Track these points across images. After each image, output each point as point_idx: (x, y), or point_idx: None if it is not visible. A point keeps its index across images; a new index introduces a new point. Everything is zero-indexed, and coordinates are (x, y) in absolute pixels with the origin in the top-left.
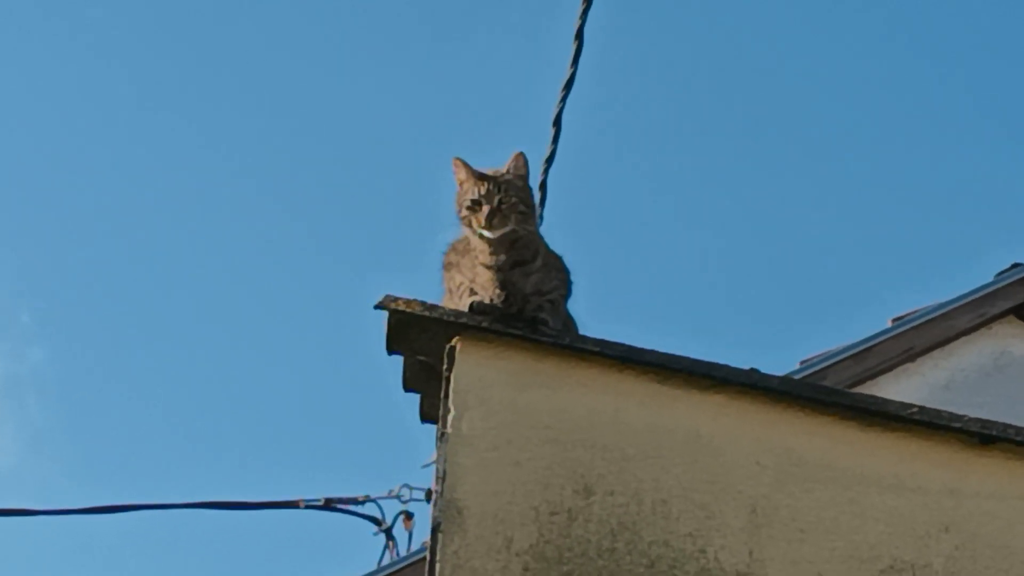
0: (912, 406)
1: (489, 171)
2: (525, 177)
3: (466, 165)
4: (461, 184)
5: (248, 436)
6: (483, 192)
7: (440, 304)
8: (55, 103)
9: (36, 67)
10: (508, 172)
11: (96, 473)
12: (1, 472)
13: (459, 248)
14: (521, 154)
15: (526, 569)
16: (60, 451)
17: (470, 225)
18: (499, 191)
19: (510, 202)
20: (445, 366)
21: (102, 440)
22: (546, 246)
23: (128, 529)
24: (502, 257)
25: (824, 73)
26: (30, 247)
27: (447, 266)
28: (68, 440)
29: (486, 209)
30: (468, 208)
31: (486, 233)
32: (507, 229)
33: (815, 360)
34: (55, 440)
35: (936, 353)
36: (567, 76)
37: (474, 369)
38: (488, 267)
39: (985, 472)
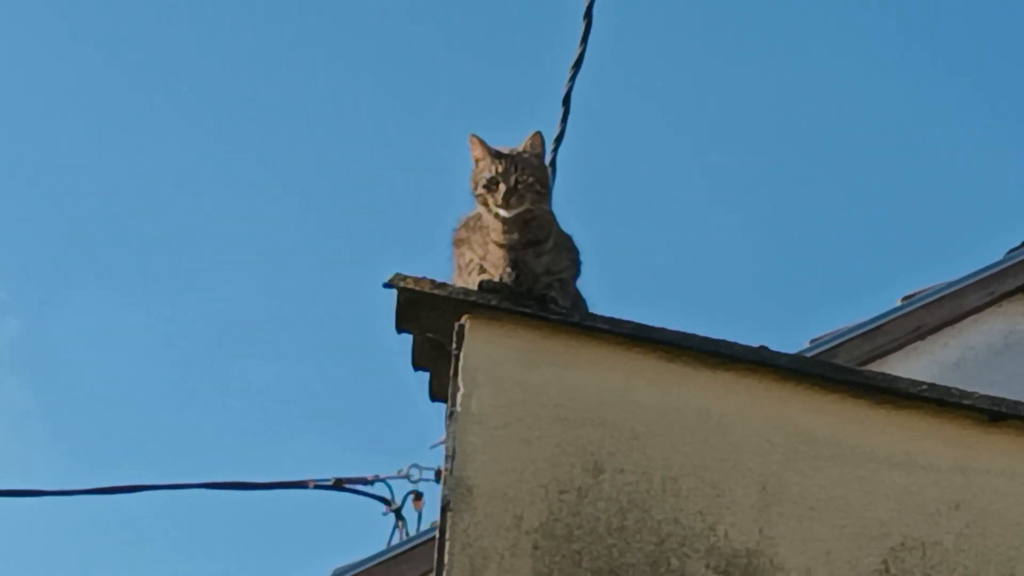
0: (922, 384)
1: (505, 150)
2: (541, 156)
3: (482, 143)
4: (477, 162)
5: (256, 416)
6: (500, 171)
7: (449, 281)
8: (39, 84)
9: (19, 53)
10: (525, 151)
11: (85, 455)
12: None
13: (470, 225)
14: (538, 133)
15: (536, 547)
16: (41, 431)
17: (485, 203)
18: (516, 170)
19: (527, 181)
20: (454, 344)
21: (92, 420)
22: (557, 226)
23: (136, 510)
24: (515, 236)
25: (833, 53)
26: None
27: (457, 243)
28: (50, 419)
29: (503, 188)
30: (484, 187)
31: (502, 212)
32: (522, 208)
33: (825, 338)
34: (36, 419)
35: (946, 331)
36: (576, 55)
37: (483, 347)
38: (500, 245)
39: (995, 449)
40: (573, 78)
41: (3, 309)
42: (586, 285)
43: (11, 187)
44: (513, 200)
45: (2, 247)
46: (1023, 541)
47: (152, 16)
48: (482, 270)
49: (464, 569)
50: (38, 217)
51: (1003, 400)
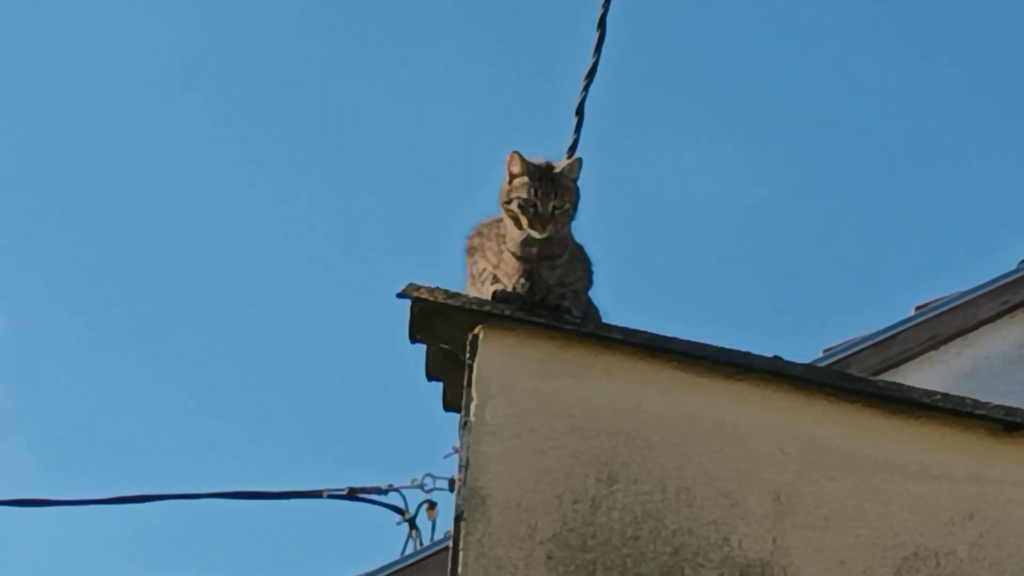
0: (936, 393)
1: (543, 165)
2: (576, 180)
3: (523, 160)
4: (513, 177)
5: (270, 425)
6: (539, 194)
7: (462, 289)
8: (41, 87)
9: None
10: (565, 176)
11: (83, 465)
12: None
13: (483, 232)
14: (579, 160)
15: (550, 557)
16: (29, 437)
17: (515, 219)
18: (555, 196)
19: (563, 208)
20: (468, 354)
21: (87, 427)
22: (572, 238)
23: (145, 520)
24: (533, 250)
25: (848, 60)
26: None
27: (470, 250)
28: (40, 425)
29: (540, 212)
30: (519, 205)
31: (535, 234)
32: (552, 231)
33: (839, 348)
34: (21, 424)
35: (960, 341)
36: (590, 65)
37: (497, 357)
38: (517, 257)
39: (1009, 459)
40: (587, 88)
41: None
42: (599, 295)
43: None
44: (549, 226)
45: None
46: None
47: (175, 16)
48: (495, 279)
49: None
50: (28, 210)
51: (1017, 410)
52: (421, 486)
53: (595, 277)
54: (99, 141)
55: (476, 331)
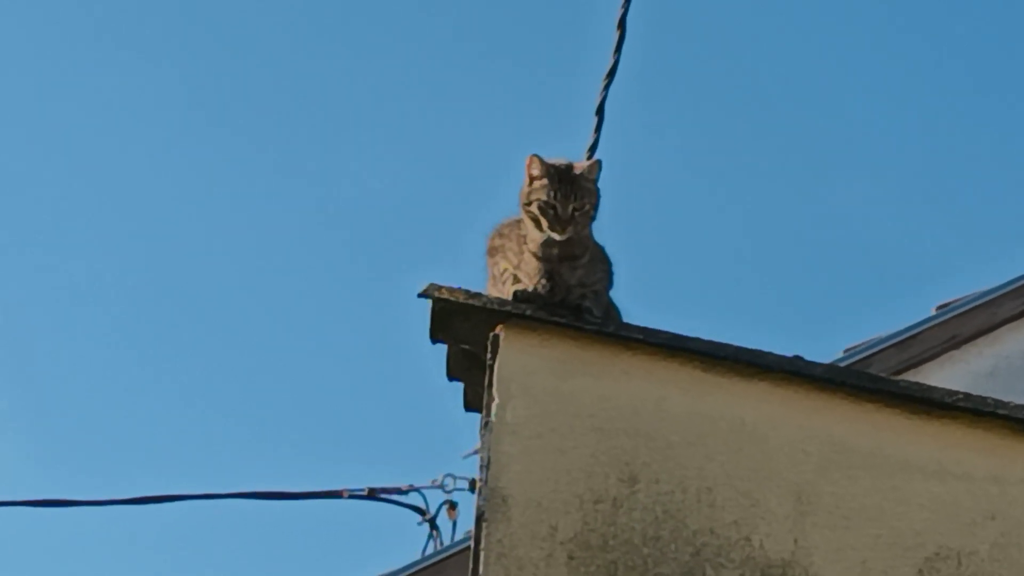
0: (957, 393)
1: (563, 167)
2: (596, 181)
3: (542, 162)
4: (532, 180)
5: (290, 425)
6: (559, 196)
7: (483, 290)
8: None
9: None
10: (585, 178)
11: (90, 465)
12: None
13: (504, 232)
14: (599, 162)
15: (571, 557)
16: (28, 436)
17: (536, 221)
18: (574, 198)
19: (583, 209)
20: (489, 354)
21: (98, 428)
22: (593, 239)
23: (167, 520)
24: (554, 251)
25: (866, 58)
26: None
27: (491, 251)
28: (41, 424)
29: (560, 214)
30: (539, 208)
31: (555, 236)
32: (572, 233)
33: (859, 348)
34: (21, 425)
35: (981, 340)
36: (609, 65)
37: (518, 357)
38: (538, 258)
39: None
40: (607, 88)
41: None
42: (620, 294)
43: None
44: (569, 227)
45: None
46: None
47: (181, 14)
48: (516, 280)
49: None
50: (24, 208)
51: None
52: (442, 486)
53: (615, 277)
54: (100, 139)
55: (497, 331)
